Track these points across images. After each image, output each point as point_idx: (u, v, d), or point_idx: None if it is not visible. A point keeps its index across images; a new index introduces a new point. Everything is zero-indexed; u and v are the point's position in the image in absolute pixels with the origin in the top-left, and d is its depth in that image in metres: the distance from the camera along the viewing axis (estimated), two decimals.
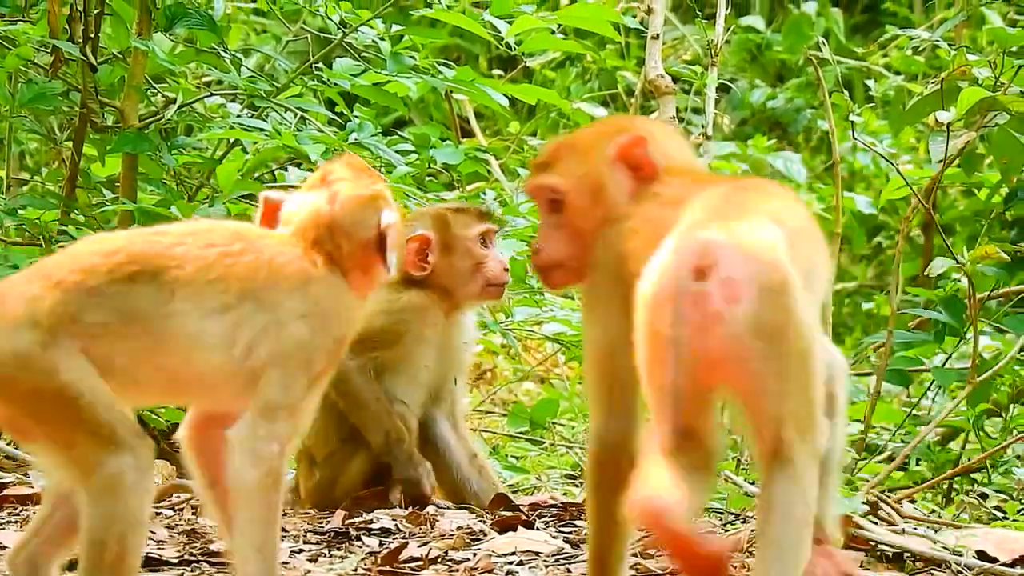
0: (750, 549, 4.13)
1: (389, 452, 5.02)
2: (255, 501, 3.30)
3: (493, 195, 6.21)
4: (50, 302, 3.22)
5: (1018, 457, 6.23)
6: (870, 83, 10.64)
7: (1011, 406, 6.24)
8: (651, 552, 4.38)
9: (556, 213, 3.64)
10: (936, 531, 4.71)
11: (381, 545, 4.48)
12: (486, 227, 5.12)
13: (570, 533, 4.63)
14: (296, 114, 6.04)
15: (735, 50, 12.28)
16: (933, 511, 5.56)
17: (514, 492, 5.52)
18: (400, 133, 6.56)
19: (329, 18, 6.03)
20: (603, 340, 3.45)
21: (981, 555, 4.40)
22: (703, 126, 6.14)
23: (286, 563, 4.25)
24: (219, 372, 3.32)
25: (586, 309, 3.62)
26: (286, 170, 6.23)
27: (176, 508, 4.96)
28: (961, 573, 4.32)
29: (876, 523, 4.66)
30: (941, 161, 5.70)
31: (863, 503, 4.60)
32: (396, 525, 4.71)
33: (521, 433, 6.67)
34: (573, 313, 6.40)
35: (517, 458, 6.33)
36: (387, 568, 4.19)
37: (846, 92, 5.82)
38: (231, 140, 6.04)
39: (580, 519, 4.83)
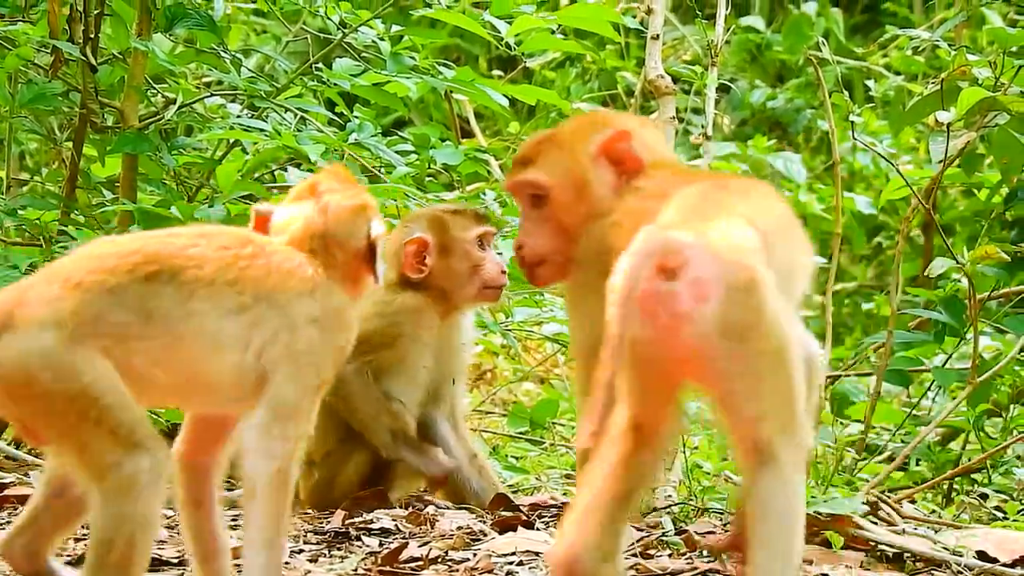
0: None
1: (398, 451, 5.02)
2: (267, 497, 3.35)
3: (493, 196, 6.20)
4: (72, 303, 3.24)
5: (1018, 457, 6.23)
6: (870, 83, 10.63)
7: (1011, 406, 6.24)
8: (651, 552, 4.38)
9: (538, 208, 3.65)
10: (936, 531, 4.71)
11: (381, 545, 4.48)
12: (484, 229, 5.12)
13: None
14: (296, 114, 6.03)
15: (735, 50, 12.28)
16: (933, 511, 5.56)
17: (514, 492, 5.52)
18: (400, 133, 6.56)
19: (329, 18, 6.03)
20: (589, 335, 3.45)
21: (981, 555, 4.41)
22: (703, 126, 6.13)
23: (286, 563, 4.25)
24: (232, 373, 3.36)
25: (571, 305, 3.63)
26: (286, 170, 6.23)
27: (176, 508, 4.95)
28: (961, 573, 4.33)
29: (876, 523, 4.66)
30: (941, 161, 5.70)
31: (863, 503, 4.60)
32: (396, 525, 4.71)
33: (521, 433, 6.67)
34: None
35: (517, 458, 6.33)
36: (387, 568, 4.19)
37: (846, 92, 5.82)
38: (231, 140, 6.04)
39: None
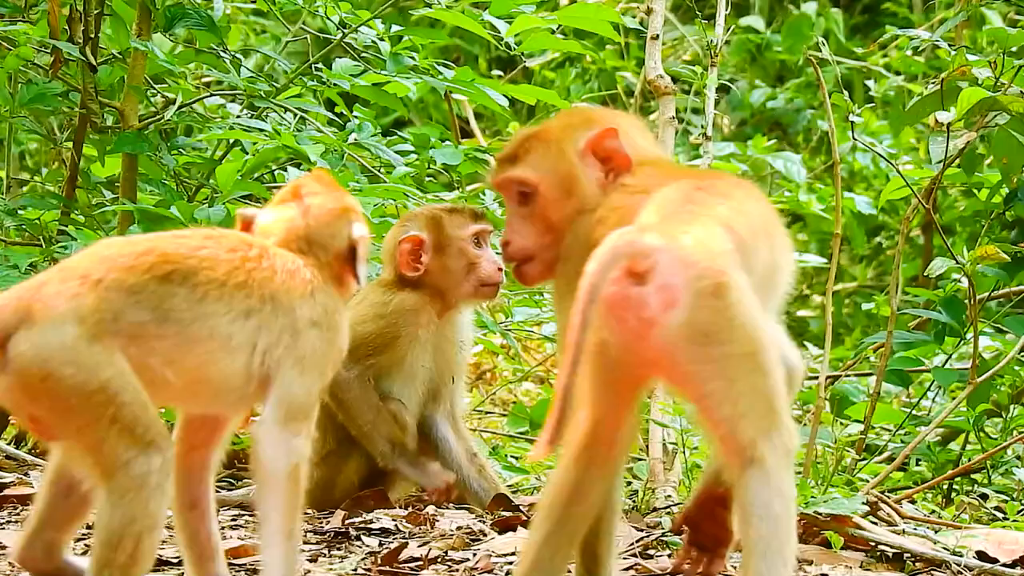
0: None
1: (394, 461, 5.03)
2: (285, 491, 3.40)
3: (493, 196, 6.20)
4: (93, 299, 3.25)
5: (1018, 457, 6.23)
6: (870, 83, 10.64)
7: (1011, 406, 6.24)
8: (651, 552, 4.38)
9: (526, 205, 3.65)
10: (936, 531, 4.71)
11: (381, 545, 4.48)
12: (480, 227, 5.12)
13: None
14: (296, 114, 6.04)
15: (735, 50, 12.28)
16: (933, 511, 5.56)
17: (514, 492, 5.51)
18: (400, 133, 6.56)
19: (329, 18, 6.03)
20: None
21: (981, 555, 4.41)
22: (703, 126, 6.13)
23: None
24: (240, 375, 3.38)
25: (557, 301, 3.64)
26: (286, 170, 6.23)
27: (170, 509, 4.95)
28: (961, 573, 4.33)
29: (876, 523, 4.66)
30: (941, 161, 5.70)
31: (863, 503, 4.60)
32: (396, 525, 4.71)
33: (521, 433, 6.67)
34: None
35: (517, 458, 6.33)
36: (387, 568, 4.19)
37: (846, 92, 5.82)
38: (231, 140, 6.04)
39: None
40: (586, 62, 11.21)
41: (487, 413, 7.56)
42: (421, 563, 4.24)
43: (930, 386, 6.56)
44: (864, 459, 5.86)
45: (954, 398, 6.24)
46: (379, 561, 4.24)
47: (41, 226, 5.87)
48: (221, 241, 3.43)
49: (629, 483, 5.78)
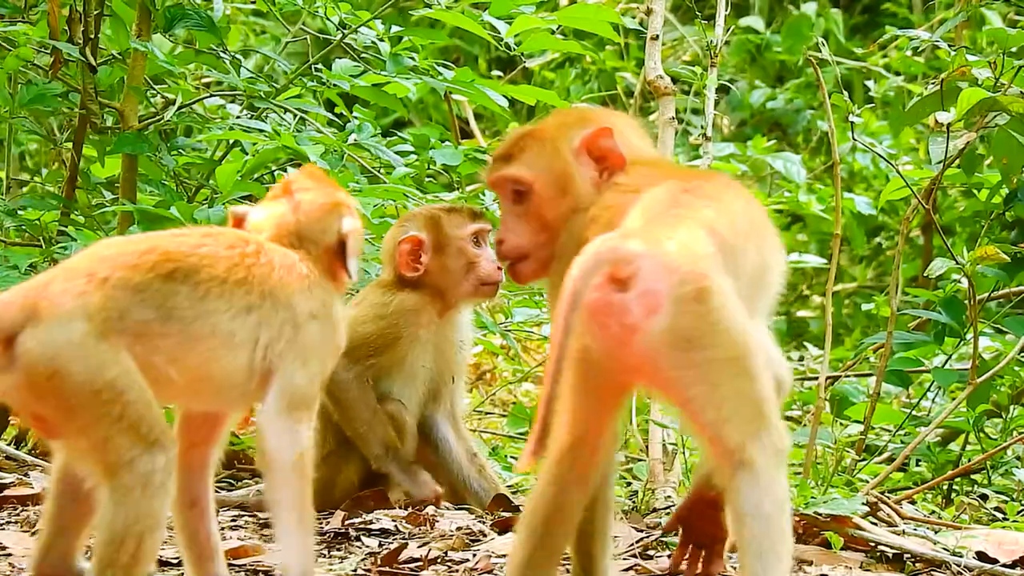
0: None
1: (387, 465, 5.03)
2: (295, 479, 3.43)
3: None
4: (99, 297, 3.26)
5: (1018, 458, 6.23)
6: (870, 84, 10.63)
7: (1011, 407, 6.24)
8: (650, 553, 4.38)
9: (520, 204, 3.66)
10: (936, 532, 4.71)
11: (381, 546, 4.48)
12: (479, 226, 5.12)
13: None
14: (295, 115, 6.03)
15: (735, 51, 12.28)
16: (933, 512, 5.56)
17: (514, 492, 5.51)
18: (399, 134, 6.55)
19: (328, 19, 6.03)
20: None
21: (981, 556, 4.41)
22: (703, 127, 6.13)
23: None
24: (243, 371, 3.40)
25: (552, 300, 3.64)
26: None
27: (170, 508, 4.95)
28: (961, 574, 4.33)
29: (876, 524, 4.66)
30: (941, 162, 5.70)
31: (863, 504, 4.60)
32: (396, 526, 4.71)
33: (521, 434, 6.67)
34: None
35: (516, 458, 6.33)
36: (387, 569, 4.19)
37: (846, 93, 5.82)
38: (230, 141, 6.04)
39: None
40: (586, 63, 11.21)
41: (487, 414, 7.56)
42: (421, 564, 4.24)
43: (930, 387, 6.56)
44: (864, 459, 5.86)
45: (954, 399, 6.24)
46: (379, 562, 4.24)
47: (41, 227, 5.87)
48: (219, 238, 3.45)
49: (629, 483, 5.78)
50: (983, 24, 9.79)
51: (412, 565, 4.24)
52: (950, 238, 9.21)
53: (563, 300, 3.07)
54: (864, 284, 11.45)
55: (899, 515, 4.83)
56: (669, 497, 5.22)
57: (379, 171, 6.11)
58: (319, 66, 6.02)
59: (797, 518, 4.49)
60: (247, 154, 6.05)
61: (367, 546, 4.49)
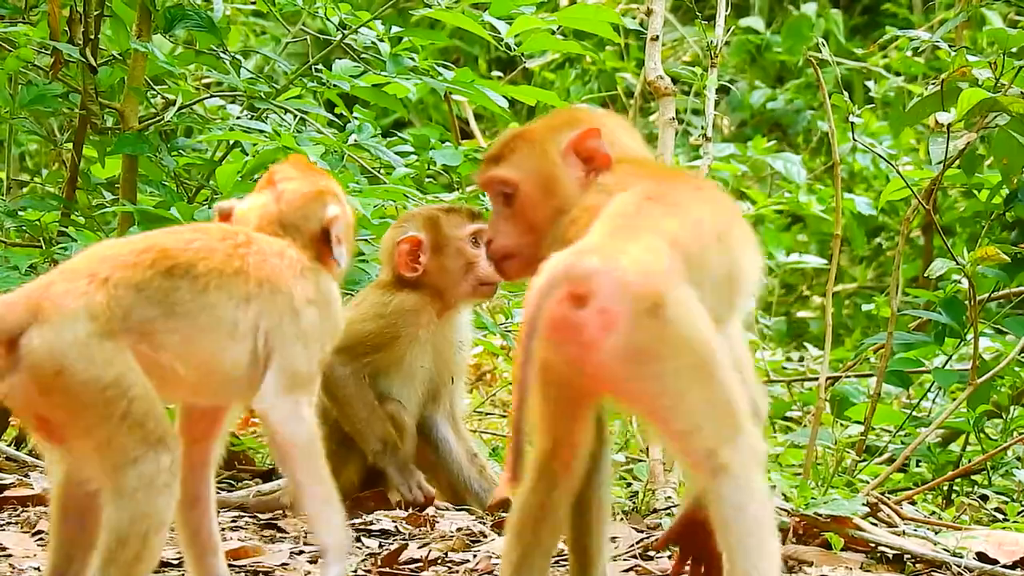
0: None
1: (384, 461, 5.03)
2: (311, 456, 3.48)
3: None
4: (103, 297, 3.27)
5: (1018, 459, 6.23)
6: (870, 84, 10.63)
7: (1011, 407, 6.24)
8: (651, 554, 4.38)
9: (509, 205, 3.66)
10: (936, 533, 4.71)
11: (381, 547, 4.48)
12: (477, 227, 5.12)
13: None
14: (296, 115, 6.03)
15: (735, 51, 12.28)
16: (933, 513, 5.56)
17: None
18: (399, 134, 6.56)
19: (328, 20, 6.03)
20: None
21: (981, 557, 4.41)
22: (703, 127, 6.13)
23: (286, 564, 4.25)
24: (248, 361, 3.42)
25: None
26: None
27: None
28: (961, 575, 4.33)
29: (876, 525, 4.66)
30: (941, 162, 5.71)
31: (863, 504, 4.60)
32: (396, 526, 4.71)
33: None
34: None
35: None
36: (387, 569, 4.19)
37: (846, 93, 5.82)
38: (231, 142, 6.04)
39: None
40: (586, 63, 11.21)
41: (487, 414, 7.55)
42: (421, 564, 4.24)
43: (930, 387, 6.56)
44: (864, 460, 5.86)
45: (954, 399, 6.24)
46: (379, 562, 4.24)
47: (41, 227, 5.87)
48: (209, 232, 3.47)
49: (629, 484, 5.78)
50: (983, 24, 9.79)
51: (412, 566, 4.24)
52: (950, 239, 9.21)
53: (523, 324, 3.10)
54: (864, 285, 11.45)
55: (899, 516, 4.83)
56: (669, 498, 5.21)
57: (379, 171, 6.11)
58: (319, 67, 6.02)
59: (797, 519, 4.49)
60: (247, 155, 6.06)
61: (367, 547, 4.49)
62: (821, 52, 6.01)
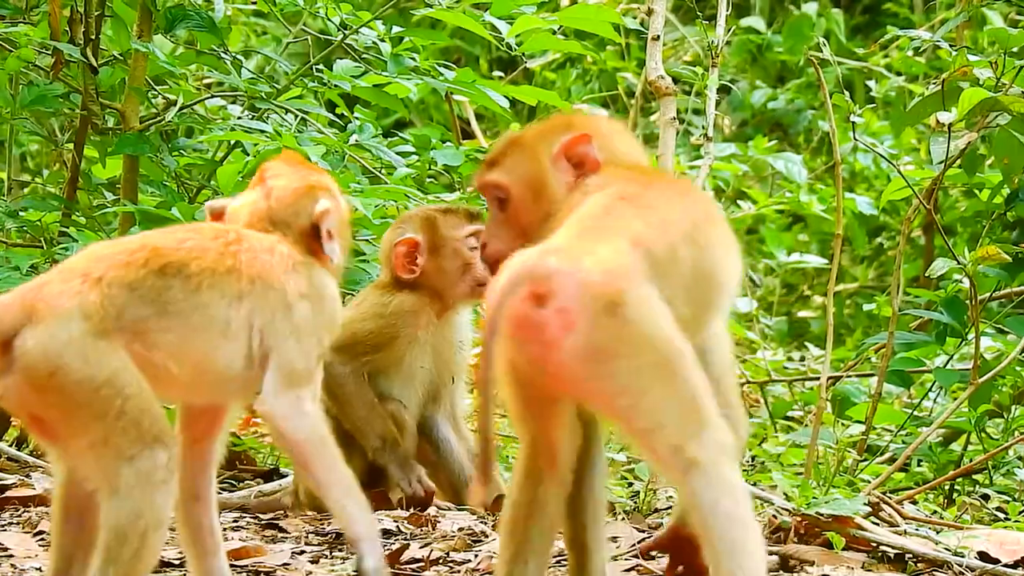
0: None
1: (384, 457, 5.03)
2: (319, 451, 3.44)
3: None
4: (96, 296, 3.28)
5: (1020, 458, 6.23)
6: (871, 84, 10.63)
7: (1013, 407, 6.24)
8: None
9: (503, 210, 3.68)
10: (938, 532, 4.70)
11: (382, 547, 4.47)
12: (475, 228, 5.13)
13: None
14: (297, 116, 6.04)
15: (736, 51, 12.27)
16: (935, 512, 5.56)
17: None
18: (400, 135, 6.56)
19: (329, 20, 6.03)
20: None
21: (983, 556, 4.40)
22: (704, 127, 6.13)
23: (287, 564, 4.25)
24: (242, 359, 3.42)
25: None
26: None
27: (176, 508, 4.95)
28: (963, 574, 4.32)
29: (878, 524, 4.66)
30: (942, 162, 5.70)
31: (865, 504, 4.59)
32: (397, 526, 4.71)
33: None
34: None
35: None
36: (389, 569, 4.18)
37: (847, 93, 5.82)
38: (232, 142, 6.04)
39: None
40: (587, 63, 11.20)
41: None
42: (423, 564, 4.24)
43: (931, 387, 6.55)
44: (865, 460, 5.86)
45: (955, 399, 6.24)
46: None
47: (42, 228, 5.87)
48: (201, 231, 3.49)
49: (630, 484, 5.78)
50: (984, 24, 9.79)
51: (414, 566, 4.24)
52: (951, 238, 9.21)
53: (485, 320, 3.11)
54: (865, 284, 11.44)
55: (901, 515, 4.83)
56: (671, 497, 5.21)
57: (380, 172, 6.11)
58: (320, 67, 6.02)
59: (799, 518, 4.49)
60: (248, 155, 6.06)
61: None
62: (822, 52, 6.01)
